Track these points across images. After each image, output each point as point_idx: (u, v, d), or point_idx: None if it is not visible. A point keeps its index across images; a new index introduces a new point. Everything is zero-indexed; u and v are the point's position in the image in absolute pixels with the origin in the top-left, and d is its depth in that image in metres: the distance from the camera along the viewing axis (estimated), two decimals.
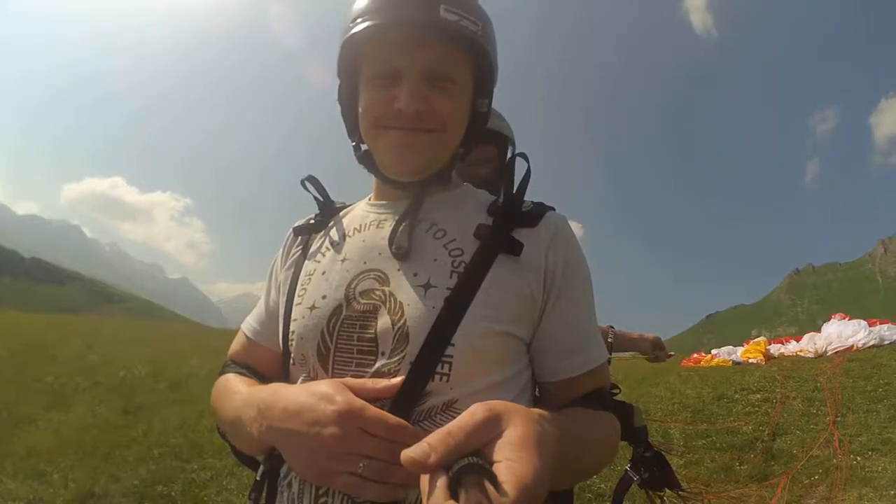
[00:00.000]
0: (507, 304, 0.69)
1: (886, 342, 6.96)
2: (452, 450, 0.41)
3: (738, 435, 4.47)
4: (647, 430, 1.03)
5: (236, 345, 0.90)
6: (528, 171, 0.78)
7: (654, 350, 1.71)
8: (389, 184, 0.79)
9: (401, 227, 0.75)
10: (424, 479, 0.42)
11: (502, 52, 0.80)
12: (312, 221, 0.87)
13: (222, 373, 0.85)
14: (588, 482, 3.35)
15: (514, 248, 0.71)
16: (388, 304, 0.69)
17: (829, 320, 8.06)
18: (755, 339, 8.88)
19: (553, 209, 0.79)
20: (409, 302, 0.68)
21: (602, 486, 3.44)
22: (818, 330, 7.92)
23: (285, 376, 0.76)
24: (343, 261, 0.76)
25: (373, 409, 0.59)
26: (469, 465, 0.40)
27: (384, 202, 0.82)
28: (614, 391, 0.84)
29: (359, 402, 0.59)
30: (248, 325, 0.88)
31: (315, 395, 0.61)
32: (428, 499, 0.40)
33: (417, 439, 0.42)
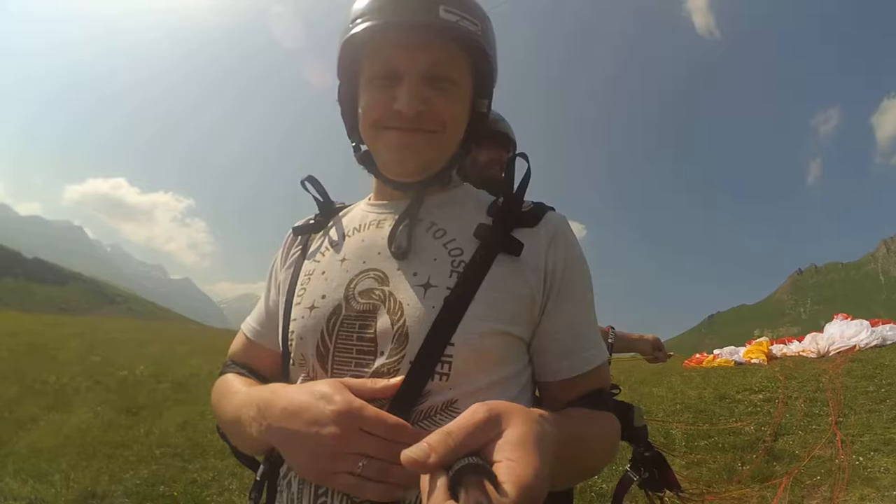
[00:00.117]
0: (507, 303, 0.69)
1: (889, 342, 6.95)
2: (452, 450, 0.41)
3: (740, 435, 4.46)
4: (647, 429, 1.03)
5: (236, 345, 0.90)
6: (528, 171, 0.78)
7: (654, 351, 1.72)
8: (389, 184, 0.79)
9: (400, 227, 0.75)
10: (424, 479, 0.42)
11: (502, 53, 0.80)
12: (312, 221, 0.87)
13: (222, 373, 0.85)
14: (590, 482, 3.35)
15: (514, 248, 0.71)
16: (387, 303, 0.69)
17: (831, 320, 8.05)
18: (757, 340, 8.88)
19: (553, 209, 0.79)
20: (408, 301, 0.68)
21: (604, 486, 3.44)
22: (821, 330, 7.91)
23: (285, 376, 0.76)
24: (342, 260, 0.76)
25: (372, 409, 0.59)
26: (469, 465, 0.40)
27: (384, 202, 0.82)
28: (614, 391, 0.84)
29: (358, 401, 0.59)
30: (248, 325, 0.88)
31: (314, 395, 0.61)
32: (428, 499, 0.40)
33: (417, 439, 0.42)
